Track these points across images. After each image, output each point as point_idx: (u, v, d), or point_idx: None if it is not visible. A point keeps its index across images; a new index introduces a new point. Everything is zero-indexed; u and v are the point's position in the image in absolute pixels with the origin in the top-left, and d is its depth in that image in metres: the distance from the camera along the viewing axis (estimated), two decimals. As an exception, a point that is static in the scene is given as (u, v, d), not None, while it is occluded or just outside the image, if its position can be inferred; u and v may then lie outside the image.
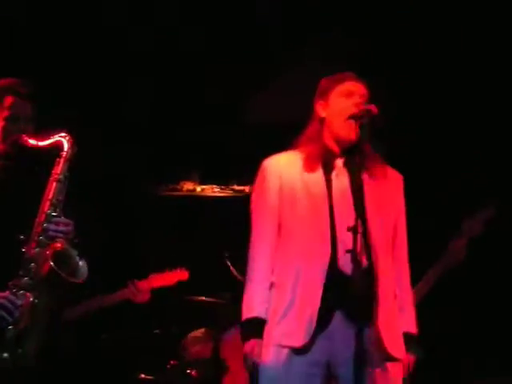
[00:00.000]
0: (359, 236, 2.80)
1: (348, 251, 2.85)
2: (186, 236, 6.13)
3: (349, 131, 3.03)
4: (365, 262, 2.89)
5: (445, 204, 5.23)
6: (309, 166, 3.10)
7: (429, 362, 3.55)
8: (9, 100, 3.19)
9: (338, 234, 2.97)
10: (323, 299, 2.94)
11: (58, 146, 3.08)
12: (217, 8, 5.44)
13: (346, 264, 2.90)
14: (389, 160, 3.23)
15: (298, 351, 2.94)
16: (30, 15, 5.15)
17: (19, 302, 2.89)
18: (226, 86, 5.84)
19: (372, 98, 3.18)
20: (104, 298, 4.57)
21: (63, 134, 3.11)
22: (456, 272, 4.00)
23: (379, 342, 2.92)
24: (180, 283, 4.76)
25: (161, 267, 4.78)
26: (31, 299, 2.89)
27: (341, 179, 3.06)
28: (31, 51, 5.15)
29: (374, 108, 3.02)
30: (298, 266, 3.02)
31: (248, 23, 5.53)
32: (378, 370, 2.93)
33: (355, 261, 2.79)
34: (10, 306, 2.87)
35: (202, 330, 5.22)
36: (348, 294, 2.85)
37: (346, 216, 2.96)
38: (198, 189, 6.38)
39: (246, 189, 6.42)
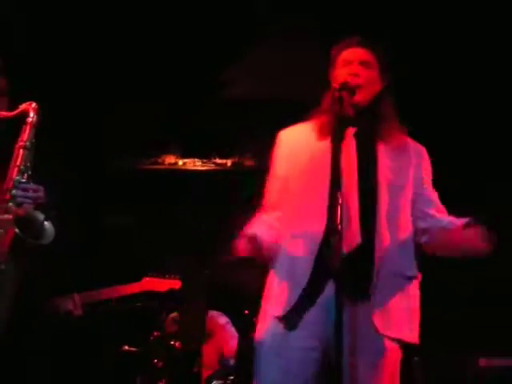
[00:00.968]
0: (352, 211, 2.76)
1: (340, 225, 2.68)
2: (168, 209, 6.14)
3: (340, 103, 2.87)
4: (359, 239, 2.81)
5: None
6: (318, 136, 3.00)
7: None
8: None
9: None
10: (314, 272, 2.85)
11: (24, 113, 3.07)
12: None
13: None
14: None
15: (291, 324, 2.90)
16: None
17: None
18: (205, 60, 5.82)
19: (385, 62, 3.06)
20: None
21: (29, 102, 3.10)
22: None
23: (371, 319, 2.84)
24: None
25: (144, 240, 4.79)
26: None
27: (348, 149, 2.90)
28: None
29: (351, 80, 2.92)
30: (296, 237, 2.94)
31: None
32: (369, 348, 2.85)
33: (345, 237, 2.67)
34: None
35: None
36: (338, 269, 2.68)
37: (348, 188, 2.85)
38: (180, 162, 6.38)
39: (228, 162, 6.44)
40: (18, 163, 3.01)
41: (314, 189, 2.92)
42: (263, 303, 3.02)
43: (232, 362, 5.10)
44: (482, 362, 4.89)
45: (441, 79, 5.49)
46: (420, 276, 3.00)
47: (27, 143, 3.05)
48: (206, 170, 6.38)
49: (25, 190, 2.99)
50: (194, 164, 6.40)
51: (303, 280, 2.86)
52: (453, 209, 3.05)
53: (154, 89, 5.85)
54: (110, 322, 5.32)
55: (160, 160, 6.38)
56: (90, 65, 5.57)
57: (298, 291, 2.87)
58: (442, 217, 3.00)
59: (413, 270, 2.96)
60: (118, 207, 6.05)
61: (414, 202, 2.98)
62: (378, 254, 2.84)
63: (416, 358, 3.46)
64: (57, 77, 5.36)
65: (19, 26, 4.96)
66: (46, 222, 2.98)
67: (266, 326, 2.96)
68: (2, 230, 2.89)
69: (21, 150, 3.04)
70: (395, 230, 2.91)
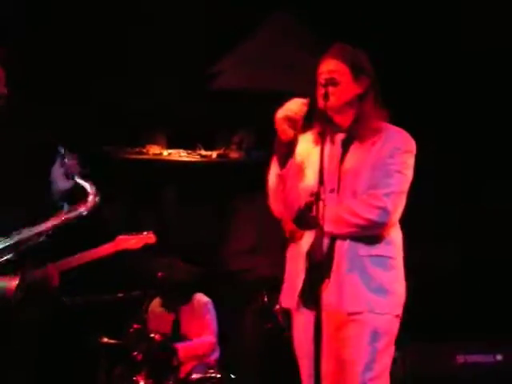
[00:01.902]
0: (320, 203, 2.92)
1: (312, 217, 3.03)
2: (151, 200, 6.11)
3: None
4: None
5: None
6: (315, 141, 3.27)
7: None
8: None
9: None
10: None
11: None
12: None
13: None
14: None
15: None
16: None
17: None
18: (192, 51, 5.79)
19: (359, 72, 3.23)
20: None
21: None
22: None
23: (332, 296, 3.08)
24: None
25: (126, 230, 4.75)
26: None
27: (333, 151, 3.22)
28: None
29: (322, 104, 3.12)
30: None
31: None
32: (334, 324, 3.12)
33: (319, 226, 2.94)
34: None
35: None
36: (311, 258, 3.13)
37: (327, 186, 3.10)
38: (165, 153, 6.34)
39: (213, 154, 6.40)
40: None
41: (313, 189, 3.09)
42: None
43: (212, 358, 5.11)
44: (460, 358, 4.92)
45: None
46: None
47: None
48: (191, 161, 6.34)
49: None
50: (179, 155, 6.36)
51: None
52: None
53: (139, 79, 5.81)
54: (89, 312, 5.29)
55: (145, 150, 6.33)
56: (76, 50, 5.52)
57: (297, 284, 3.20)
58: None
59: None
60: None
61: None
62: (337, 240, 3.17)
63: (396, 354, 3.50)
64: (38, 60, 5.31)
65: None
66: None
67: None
68: None
69: None
70: None
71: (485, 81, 5.56)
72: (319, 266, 2.99)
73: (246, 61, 6.07)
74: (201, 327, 5.12)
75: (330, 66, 3.22)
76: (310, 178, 3.17)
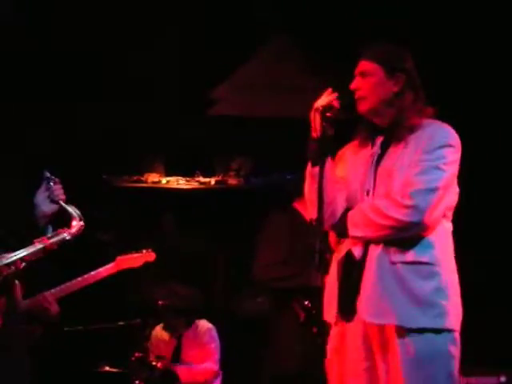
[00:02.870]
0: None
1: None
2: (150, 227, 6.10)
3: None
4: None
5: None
6: (358, 146, 3.14)
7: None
8: None
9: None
10: None
11: None
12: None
13: None
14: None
15: None
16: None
17: None
18: (190, 78, 5.81)
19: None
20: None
21: None
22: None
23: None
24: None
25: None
26: None
27: (372, 154, 3.06)
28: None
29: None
30: None
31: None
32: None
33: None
34: None
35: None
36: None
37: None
38: (163, 180, 6.34)
39: (212, 181, 6.41)
40: None
41: (354, 194, 3.04)
42: None
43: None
44: (463, 381, 4.89)
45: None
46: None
47: None
48: (189, 189, 6.34)
49: None
50: (178, 182, 6.37)
51: None
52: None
53: (138, 107, 5.82)
54: (90, 341, 5.27)
55: (143, 178, 6.34)
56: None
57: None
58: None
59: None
60: (100, 224, 5.99)
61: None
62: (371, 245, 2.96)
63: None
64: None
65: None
66: None
67: None
68: None
69: None
70: None
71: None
72: (350, 275, 2.89)
73: (243, 86, 6.09)
74: (203, 354, 5.09)
75: (361, 68, 3.08)
76: (349, 182, 3.06)
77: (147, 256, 4.68)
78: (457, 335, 2.91)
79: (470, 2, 5.26)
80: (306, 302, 4.17)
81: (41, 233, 3.13)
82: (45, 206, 3.14)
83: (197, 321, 5.20)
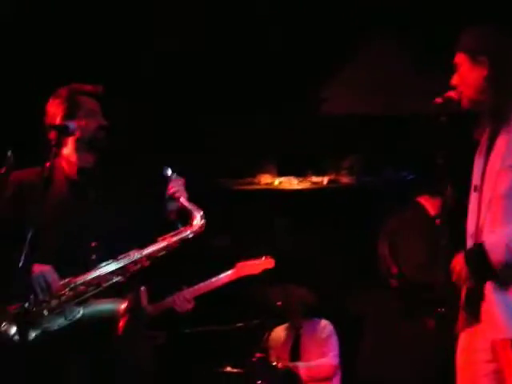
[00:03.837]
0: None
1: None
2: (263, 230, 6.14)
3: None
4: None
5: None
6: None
7: None
8: None
9: None
10: None
11: None
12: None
13: None
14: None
15: None
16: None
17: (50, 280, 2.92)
18: (301, 77, 5.81)
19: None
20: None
21: None
22: None
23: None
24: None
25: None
26: None
27: (483, 147, 2.89)
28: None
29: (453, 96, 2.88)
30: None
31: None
32: None
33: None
34: (42, 282, 2.91)
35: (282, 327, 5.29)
36: None
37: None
38: (276, 182, 6.37)
39: (324, 180, 6.40)
40: None
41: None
42: None
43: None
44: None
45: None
46: None
47: None
48: (302, 189, 6.36)
49: None
50: (290, 183, 6.39)
51: None
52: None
53: (249, 109, 5.87)
54: (212, 342, 5.35)
55: (256, 180, 6.39)
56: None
57: None
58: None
59: None
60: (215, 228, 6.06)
61: None
62: None
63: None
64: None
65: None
66: None
67: None
68: None
69: None
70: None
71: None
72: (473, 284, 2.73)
73: (352, 85, 6.05)
74: (322, 350, 5.12)
75: (454, 61, 2.91)
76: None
77: (266, 263, 4.70)
78: None
79: None
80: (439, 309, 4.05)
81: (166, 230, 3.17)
82: (168, 204, 3.18)
83: (314, 319, 5.24)
